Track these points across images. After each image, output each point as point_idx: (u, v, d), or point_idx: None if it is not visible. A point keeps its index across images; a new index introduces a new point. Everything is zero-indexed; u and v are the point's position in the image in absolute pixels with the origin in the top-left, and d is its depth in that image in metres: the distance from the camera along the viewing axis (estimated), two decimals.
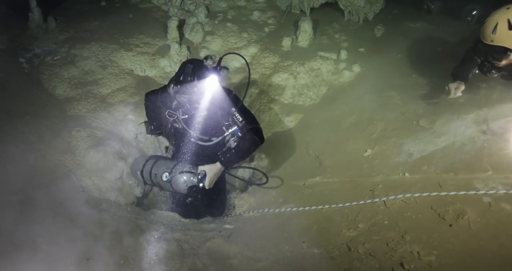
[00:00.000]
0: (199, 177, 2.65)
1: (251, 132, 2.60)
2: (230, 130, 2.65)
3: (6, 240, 1.97)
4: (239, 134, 2.63)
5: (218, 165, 2.66)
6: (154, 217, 2.93)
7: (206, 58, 2.62)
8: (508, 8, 2.33)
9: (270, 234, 2.49)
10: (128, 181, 3.29)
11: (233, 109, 2.59)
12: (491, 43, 2.40)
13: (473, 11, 4.39)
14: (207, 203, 3.14)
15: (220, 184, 3.19)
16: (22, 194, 2.37)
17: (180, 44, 4.47)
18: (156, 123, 2.99)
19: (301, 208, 2.65)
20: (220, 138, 2.74)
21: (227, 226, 2.76)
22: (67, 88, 3.76)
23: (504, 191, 1.91)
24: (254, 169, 3.53)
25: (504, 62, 2.45)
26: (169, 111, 2.74)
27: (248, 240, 2.41)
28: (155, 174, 2.85)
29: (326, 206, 2.50)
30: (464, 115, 2.72)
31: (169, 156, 3.10)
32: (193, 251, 2.33)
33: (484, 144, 2.37)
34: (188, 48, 4.58)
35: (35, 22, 4.48)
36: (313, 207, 2.57)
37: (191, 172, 2.72)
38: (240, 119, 2.58)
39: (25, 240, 2.02)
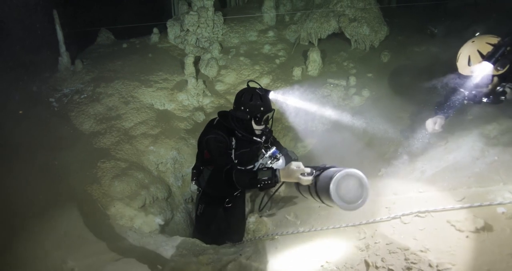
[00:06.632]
0: None
1: None
2: (269, 152, 2.58)
3: None
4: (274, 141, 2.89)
5: None
6: (176, 243, 3.01)
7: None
8: (473, 41, 2.58)
9: (290, 254, 2.53)
10: (150, 209, 3.42)
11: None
12: (471, 74, 2.54)
13: (476, 33, 4.51)
14: (226, 230, 3.23)
15: (239, 211, 3.30)
16: (53, 222, 2.52)
17: (197, 79, 4.74)
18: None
19: (318, 229, 2.68)
20: (260, 161, 2.67)
21: (247, 249, 2.81)
22: (93, 124, 4.02)
23: None
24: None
25: (490, 86, 2.56)
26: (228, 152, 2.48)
27: (269, 260, 2.45)
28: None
29: (344, 225, 2.54)
30: (474, 130, 2.78)
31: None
32: None
33: (495, 157, 2.41)
34: (204, 82, 4.85)
35: (64, 65, 4.89)
36: (331, 227, 2.61)
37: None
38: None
39: None
